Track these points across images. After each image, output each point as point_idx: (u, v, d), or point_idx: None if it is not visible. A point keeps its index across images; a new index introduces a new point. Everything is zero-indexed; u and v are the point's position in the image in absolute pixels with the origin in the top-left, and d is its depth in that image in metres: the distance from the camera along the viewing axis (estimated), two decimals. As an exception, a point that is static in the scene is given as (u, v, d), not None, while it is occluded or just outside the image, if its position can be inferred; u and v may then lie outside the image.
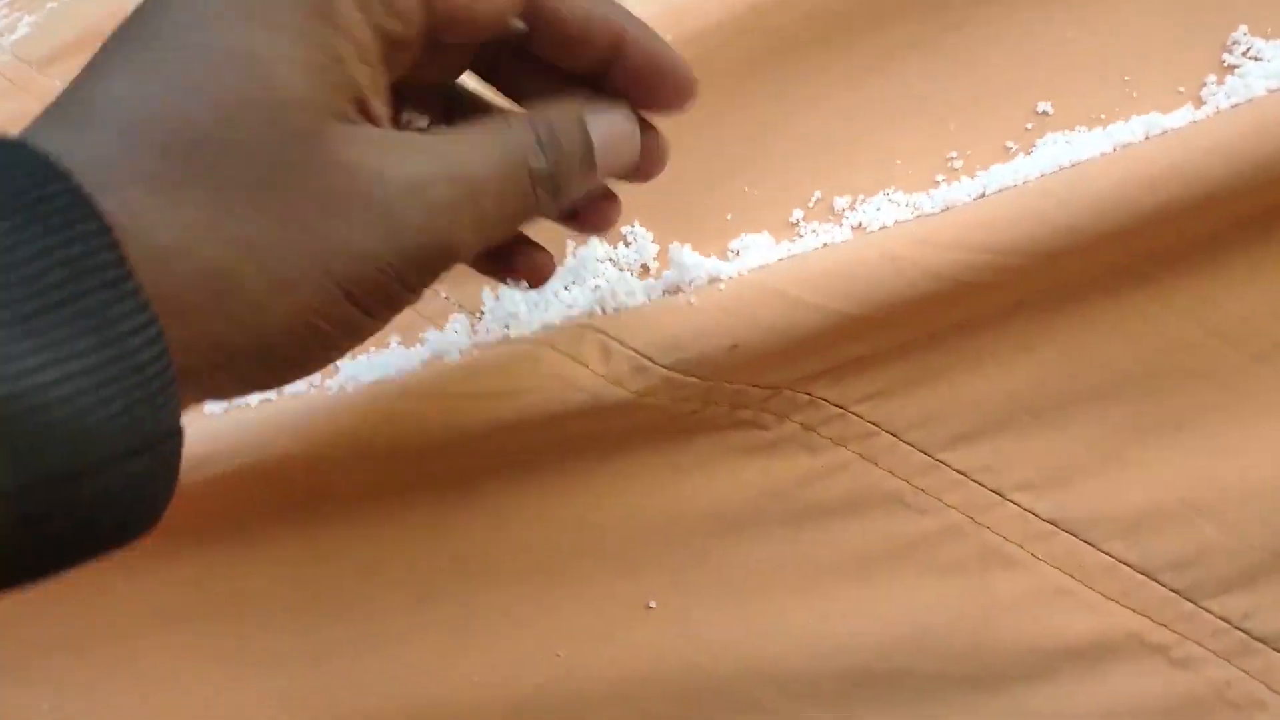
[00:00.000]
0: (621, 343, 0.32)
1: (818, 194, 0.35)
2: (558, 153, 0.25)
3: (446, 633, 0.36)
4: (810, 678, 0.34)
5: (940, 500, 0.33)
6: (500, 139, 0.24)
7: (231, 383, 0.22)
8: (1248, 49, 0.32)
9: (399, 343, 0.37)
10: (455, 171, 0.23)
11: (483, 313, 0.36)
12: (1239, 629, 0.32)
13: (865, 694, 0.34)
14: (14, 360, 0.17)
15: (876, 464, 0.34)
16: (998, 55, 0.35)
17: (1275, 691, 0.32)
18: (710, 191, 0.36)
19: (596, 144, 0.26)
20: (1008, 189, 0.31)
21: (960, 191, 0.33)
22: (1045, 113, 0.34)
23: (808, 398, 0.33)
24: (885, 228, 0.33)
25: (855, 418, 0.33)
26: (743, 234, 0.35)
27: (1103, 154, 0.31)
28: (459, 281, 0.37)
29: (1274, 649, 0.32)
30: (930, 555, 0.34)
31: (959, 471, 0.33)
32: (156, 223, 0.19)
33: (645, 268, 0.36)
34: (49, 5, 0.48)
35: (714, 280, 0.33)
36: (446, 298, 0.37)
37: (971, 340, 0.33)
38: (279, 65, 0.20)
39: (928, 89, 0.35)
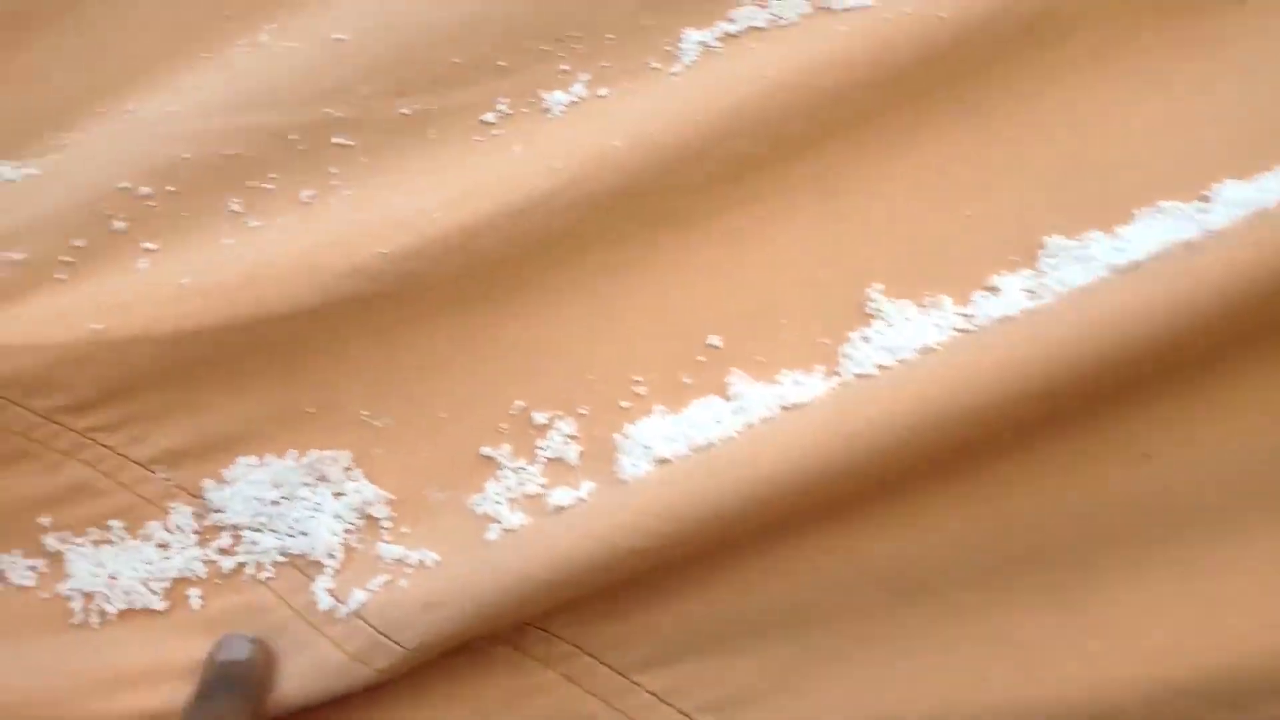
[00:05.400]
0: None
1: (521, 403, 0.39)
2: None
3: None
4: None
5: None
6: None
7: None
8: (879, 308, 0.39)
9: (123, 527, 0.39)
10: None
11: (205, 501, 0.39)
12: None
13: None
14: None
15: (578, 684, 0.37)
16: (679, 286, 0.40)
17: None
18: (422, 385, 0.40)
19: None
20: (680, 460, 0.36)
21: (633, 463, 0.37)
22: (715, 346, 0.39)
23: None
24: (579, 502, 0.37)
25: (558, 640, 0.37)
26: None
27: (744, 428, 0.36)
28: (175, 460, 0.39)
29: None
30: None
31: (651, 693, 0.37)
32: None
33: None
34: None
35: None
36: (166, 479, 0.39)
37: (656, 573, 0.37)
38: None
39: (618, 311, 0.40)
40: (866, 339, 0.38)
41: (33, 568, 0.39)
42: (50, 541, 0.39)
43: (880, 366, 0.37)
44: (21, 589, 0.40)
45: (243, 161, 0.42)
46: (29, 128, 0.47)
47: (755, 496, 0.34)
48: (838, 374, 0.38)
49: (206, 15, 0.48)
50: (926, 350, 0.37)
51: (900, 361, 0.37)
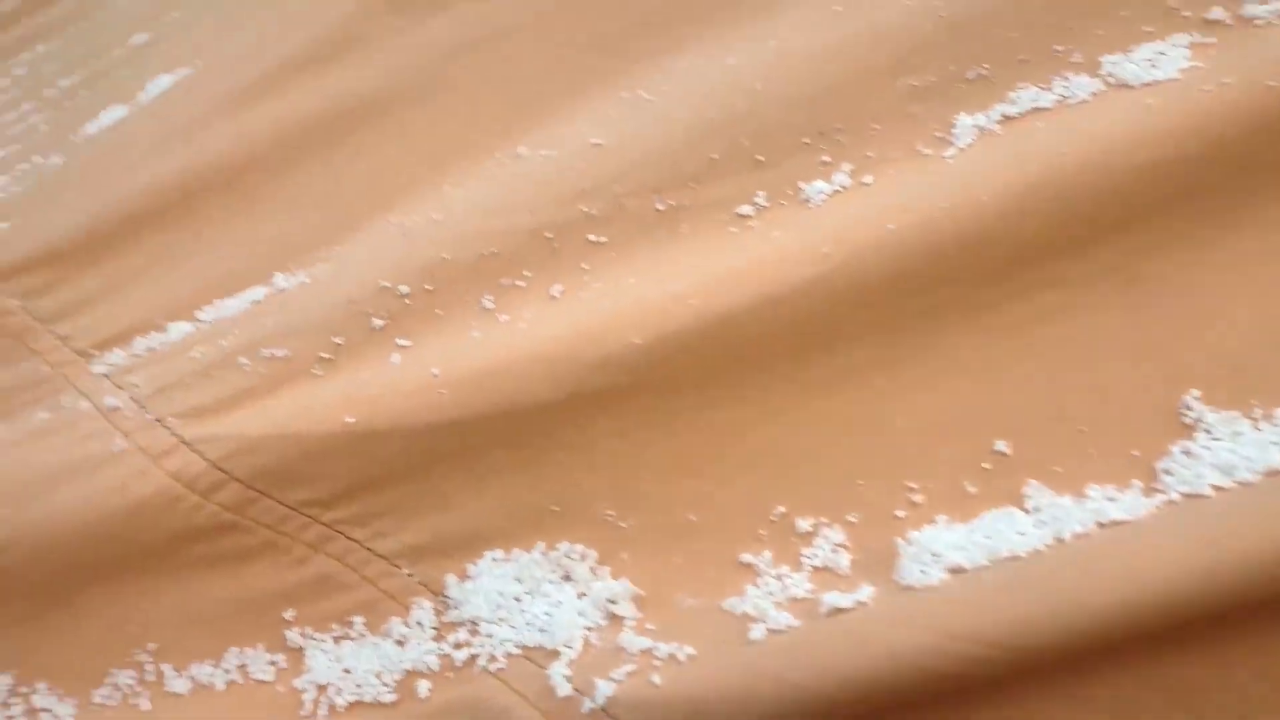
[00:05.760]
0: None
1: (781, 509, 0.36)
2: None
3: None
4: None
5: None
6: None
7: None
8: (1199, 418, 0.33)
9: (364, 623, 0.38)
10: None
11: (446, 598, 0.37)
12: None
13: None
14: None
15: None
16: (959, 384, 0.36)
17: None
18: (671, 487, 0.37)
19: None
20: (982, 571, 0.31)
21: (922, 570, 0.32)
22: (1002, 452, 0.34)
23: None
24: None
25: None
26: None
27: (1054, 543, 0.31)
28: (419, 556, 0.38)
29: None
30: None
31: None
32: None
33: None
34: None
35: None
36: (410, 574, 0.38)
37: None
38: None
39: (890, 410, 0.36)
40: (1189, 454, 0.32)
41: (273, 662, 0.39)
42: (293, 636, 0.39)
43: (1215, 488, 0.31)
44: (260, 683, 0.39)
45: (499, 260, 0.42)
46: (302, 244, 0.50)
47: (1076, 626, 0.29)
48: (1160, 491, 0.32)
49: (466, 133, 0.50)
50: (1273, 473, 0.31)
51: (1239, 484, 0.31)
